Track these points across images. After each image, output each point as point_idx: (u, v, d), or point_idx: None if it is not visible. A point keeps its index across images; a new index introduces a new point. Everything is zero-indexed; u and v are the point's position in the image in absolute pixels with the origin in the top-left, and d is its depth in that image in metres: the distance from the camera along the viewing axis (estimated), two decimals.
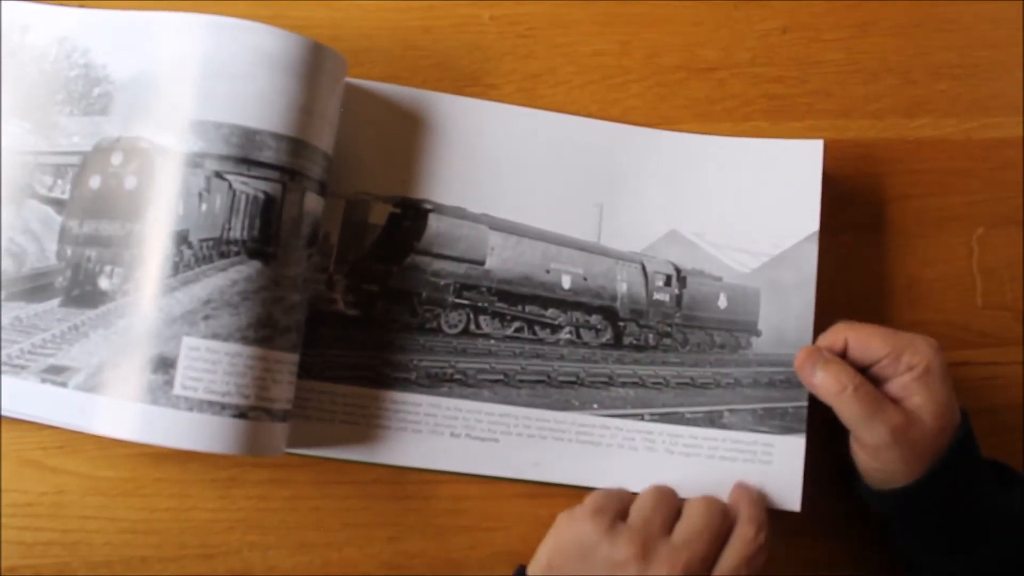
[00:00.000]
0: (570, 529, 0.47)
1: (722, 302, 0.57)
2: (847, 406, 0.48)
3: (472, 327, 0.54)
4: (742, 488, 0.50)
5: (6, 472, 0.50)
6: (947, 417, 0.47)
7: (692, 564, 0.44)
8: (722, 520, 0.47)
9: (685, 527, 0.46)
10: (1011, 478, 0.50)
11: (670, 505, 0.48)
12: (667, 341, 0.55)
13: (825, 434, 0.52)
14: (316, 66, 0.48)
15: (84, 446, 0.50)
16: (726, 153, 0.55)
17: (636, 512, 0.47)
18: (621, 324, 0.56)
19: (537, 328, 0.55)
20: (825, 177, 0.55)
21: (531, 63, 0.56)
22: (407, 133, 0.53)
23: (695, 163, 0.55)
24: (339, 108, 0.50)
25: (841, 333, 0.50)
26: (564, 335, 0.55)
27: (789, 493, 0.51)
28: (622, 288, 0.56)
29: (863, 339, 0.49)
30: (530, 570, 0.47)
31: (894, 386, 0.48)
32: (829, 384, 0.48)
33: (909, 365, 0.48)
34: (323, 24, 0.54)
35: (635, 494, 0.49)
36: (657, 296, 0.57)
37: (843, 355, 0.50)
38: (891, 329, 0.49)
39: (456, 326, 0.53)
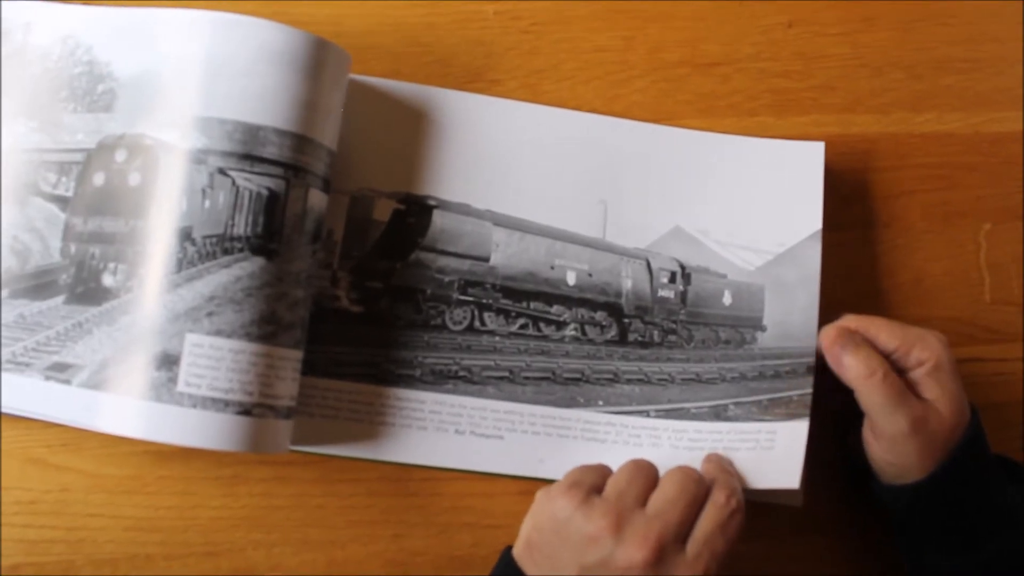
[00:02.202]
0: (546, 505, 0.46)
1: (727, 299, 0.57)
2: (873, 392, 0.47)
3: (476, 324, 0.53)
4: (714, 457, 0.50)
5: (10, 470, 0.50)
6: (960, 412, 0.47)
7: (666, 533, 0.44)
8: (696, 488, 0.46)
9: (659, 497, 0.46)
10: (1019, 473, 0.50)
11: (647, 478, 0.47)
12: (672, 338, 0.55)
13: (830, 429, 0.52)
14: (320, 62, 0.48)
15: (88, 444, 0.50)
16: (730, 151, 0.55)
17: (611, 485, 0.47)
18: (626, 320, 0.56)
19: (542, 324, 0.54)
20: (831, 173, 0.55)
21: (535, 59, 0.56)
22: (411, 129, 0.53)
23: (699, 161, 0.55)
24: (343, 104, 0.50)
25: (850, 326, 0.50)
26: (569, 331, 0.54)
27: (789, 471, 0.49)
28: (627, 285, 0.56)
29: (872, 332, 0.49)
30: (514, 550, 0.47)
31: (905, 381, 0.48)
32: (859, 368, 0.47)
33: (919, 360, 0.47)
34: (326, 20, 0.54)
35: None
36: (662, 293, 0.57)
37: None
38: (900, 323, 0.49)
39: (460, 323, 0.53)
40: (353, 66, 0.51)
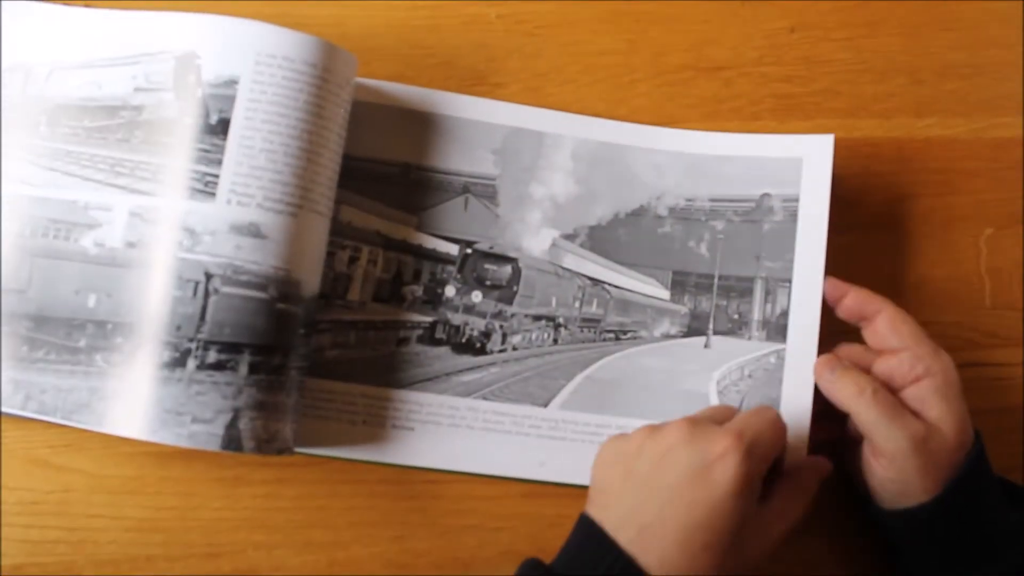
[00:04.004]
0: (648, 443, 0.45)
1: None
2: (865, 409, 0.47)
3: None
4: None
5: (12, 470, 0.50)
6: (964, 433, 0.47)
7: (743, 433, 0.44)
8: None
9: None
10: (1020, 497, 0.49)
11: (724, 412, 0.48)
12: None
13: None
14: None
15: (90, 444, 0.50)
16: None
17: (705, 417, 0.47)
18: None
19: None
20: (834, 176, 0.54)
21: (538, 62, 0.56)
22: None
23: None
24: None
25: (879, 303, 0.50)
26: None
27: None
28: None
29: (897, 321, 0.49)
30: (588, 508, 0.46)
31: (909, 395, 0.47)
32: (847, 387, 0.48)
33: (928, 370, 0.47)
34: (329, 22, 0.55)
35: None
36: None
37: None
38: (924, 332, 0.49)
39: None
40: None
